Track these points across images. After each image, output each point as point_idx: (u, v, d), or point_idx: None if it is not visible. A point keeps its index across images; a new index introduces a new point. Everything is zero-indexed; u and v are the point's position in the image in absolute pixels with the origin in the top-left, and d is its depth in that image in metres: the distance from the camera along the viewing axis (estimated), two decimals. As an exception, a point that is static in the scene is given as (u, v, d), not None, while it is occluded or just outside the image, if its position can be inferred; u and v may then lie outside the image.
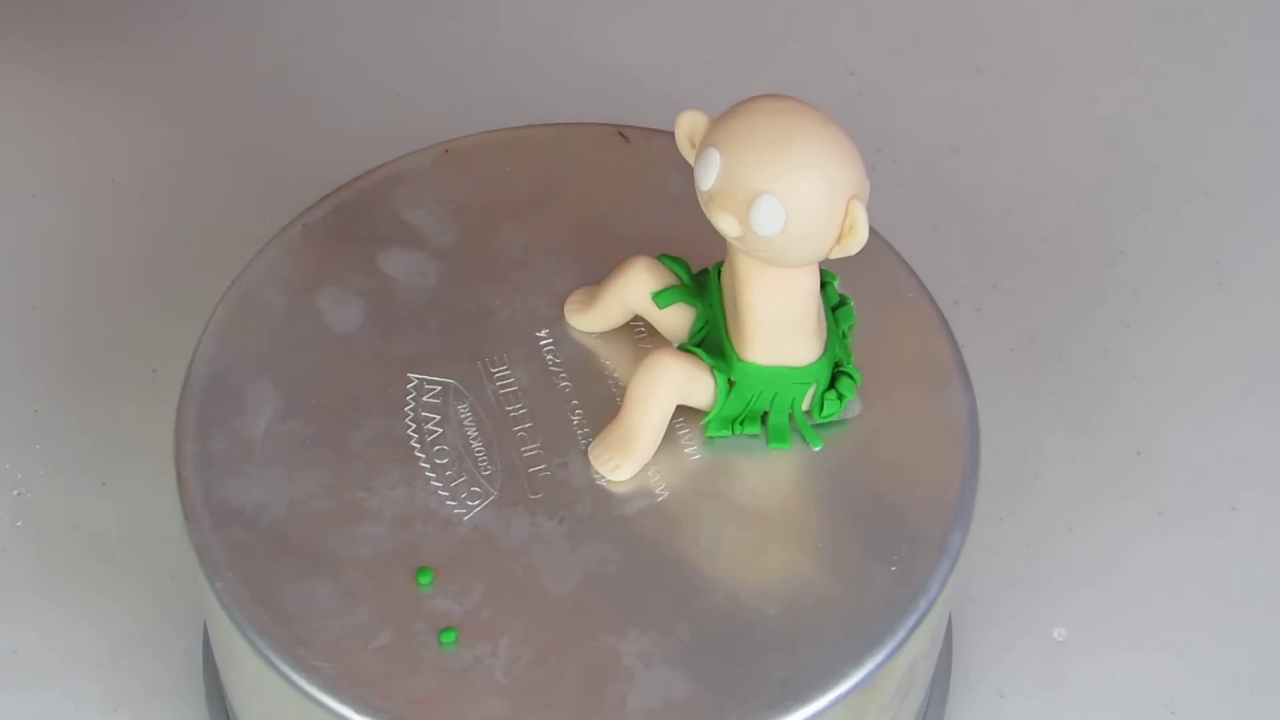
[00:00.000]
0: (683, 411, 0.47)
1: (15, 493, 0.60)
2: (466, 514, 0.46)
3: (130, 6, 0.70)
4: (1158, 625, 0.58)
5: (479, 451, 0.47)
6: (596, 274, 0.49)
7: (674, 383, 0.46)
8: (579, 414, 0.48)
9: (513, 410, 0.48)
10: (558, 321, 0.50)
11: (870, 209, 0.44)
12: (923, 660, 0.48)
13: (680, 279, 0.48)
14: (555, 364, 0.49)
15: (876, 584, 0.46)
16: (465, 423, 0.48)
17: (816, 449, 0.48)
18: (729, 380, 0.47)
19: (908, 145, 0.68)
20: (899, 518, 0.47)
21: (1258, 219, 0.67)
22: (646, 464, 0.47)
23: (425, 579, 0.45)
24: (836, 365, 0.47)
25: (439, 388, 0.48)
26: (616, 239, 0.51)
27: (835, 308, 0.48)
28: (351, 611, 0.45)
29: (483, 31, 0.70)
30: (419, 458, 0.47)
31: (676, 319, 0.48)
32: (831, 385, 0.47)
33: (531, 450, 0.47)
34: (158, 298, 0.63)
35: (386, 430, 0.48)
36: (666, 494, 0.47)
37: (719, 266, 0.47)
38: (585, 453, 0.47)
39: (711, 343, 0.47)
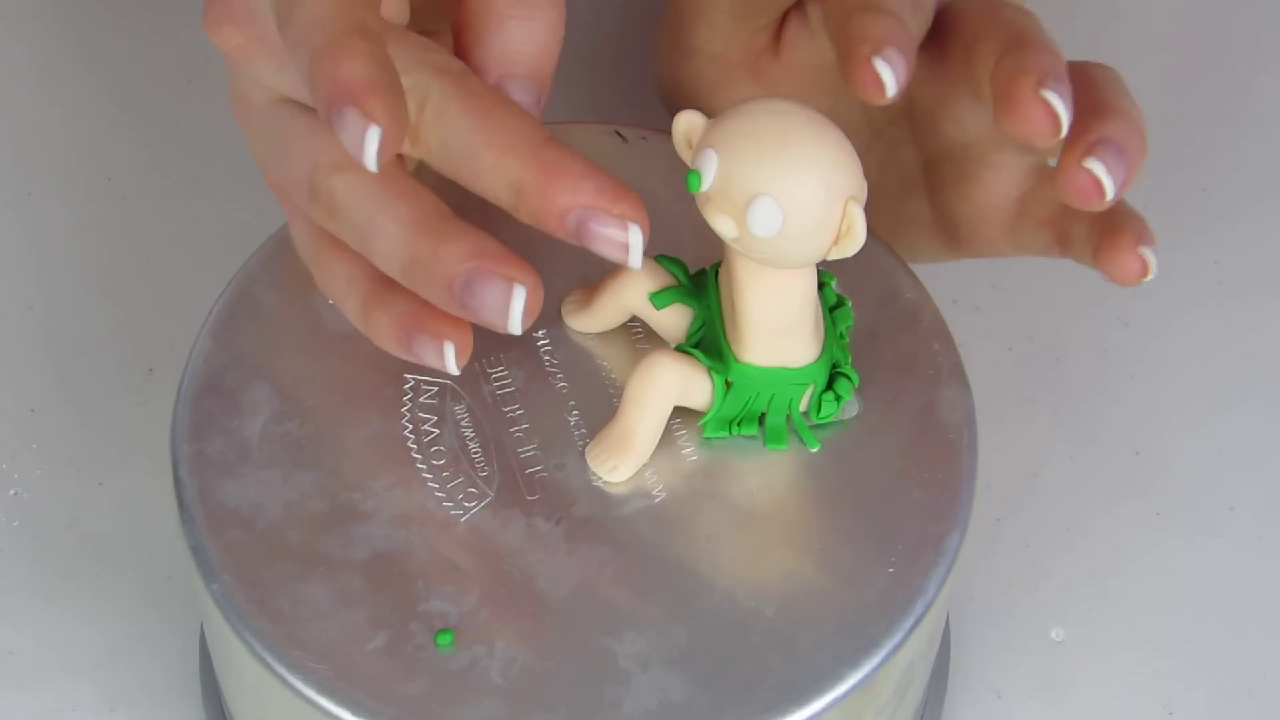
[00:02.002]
0: (680, 412, 0.47)
1: (12, 492, 0.59)
2: (463, 515, 0.46)
3: (128, 3, 0.70)
4: (1156, 625, 0.58)
5: (475, 453, 0.47)
6: (594, 274, 0.49)
7: (671, 384, 0.46)
8: (576, 415, 0.48)
9: (510, 411, 0.48)
10: (555, 322, 0.49)
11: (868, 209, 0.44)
12: (920, 661, 0.48)
13: (678, 280, 0.48)
14: (552, 365, 0.49)
15: (874, 585, 0.45)
16: (462, 424, 0.48)
17: (814, 450, 0.48)
18: (726, 381, 0.47)
19: (906, 144, 0.68)
20: (896, 518, 0.47)
21: (1256, 218, 0.67)
22: (644, 465, 0.47)
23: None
24: (834, 366, 0.47)
25: (435, 389, 0.48)
26: (614, 239, 0.51)
27: (833, 308, 0.48)
28: (348, 613, 0.45)
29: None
30: (415, 459, 0.47)
31: (674, 320, 0.48)
32: (829, 386, 0.47)
33: (528, 451, 0.47)
34: (154, 297, 0.63)
35: (383, 431, 0.47)
36: (664, 495, 0.47)
37: (716, 267, 0.47)
38: (582, 454, 0.47)
39: (709, 343, 0.47)
